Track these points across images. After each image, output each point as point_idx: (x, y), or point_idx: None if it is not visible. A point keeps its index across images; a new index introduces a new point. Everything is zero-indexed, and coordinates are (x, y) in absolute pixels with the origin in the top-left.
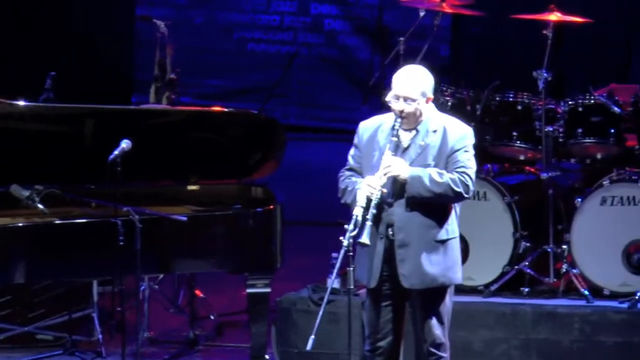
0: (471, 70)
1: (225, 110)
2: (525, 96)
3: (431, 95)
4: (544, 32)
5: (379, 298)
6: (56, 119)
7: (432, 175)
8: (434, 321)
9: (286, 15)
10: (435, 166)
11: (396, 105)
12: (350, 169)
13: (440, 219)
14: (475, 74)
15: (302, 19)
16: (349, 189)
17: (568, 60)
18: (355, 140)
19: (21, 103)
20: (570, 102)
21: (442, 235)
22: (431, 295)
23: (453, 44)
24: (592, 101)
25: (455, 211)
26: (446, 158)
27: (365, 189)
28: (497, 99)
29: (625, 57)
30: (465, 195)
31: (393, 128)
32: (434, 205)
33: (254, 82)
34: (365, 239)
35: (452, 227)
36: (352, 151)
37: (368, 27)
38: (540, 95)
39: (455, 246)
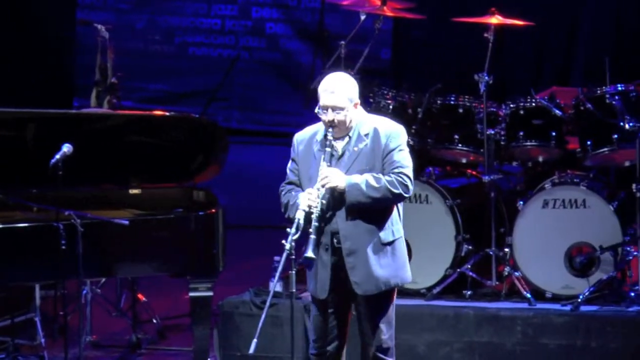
0: (412, 74)
1: (167, 114)
2: (466, 99)
3: (358, 100)
4: (485, 35)
5: (325, 305)
6: None
7: (369, 182)
8: (382, 325)
9: (227, 19)
10: (371, 169)
11: (325, 117)
12: (290, 183)
13: (384, 221)
14: (416, 77)
15: (243, 22)
16: (291, 203)
17: (509, 64)
18: (292, 153)
19: None
20: (511, 105)
21: (388, 237)
22: (379, 299)
23: (394, 47)
24: (534, 104)
25: (399, 211)
26: (382, 160)
27: (305, 202)
28: (439, 102)
29: (567, 60)
30: (405, 195)
31: (325, 138)
32: (376, 209)
33: (195, 86)
34: (310, 253)
35: (397, 227)
36: (289, 164)
37: (309, 31)
38: (482, 99)
39: (402, 246)
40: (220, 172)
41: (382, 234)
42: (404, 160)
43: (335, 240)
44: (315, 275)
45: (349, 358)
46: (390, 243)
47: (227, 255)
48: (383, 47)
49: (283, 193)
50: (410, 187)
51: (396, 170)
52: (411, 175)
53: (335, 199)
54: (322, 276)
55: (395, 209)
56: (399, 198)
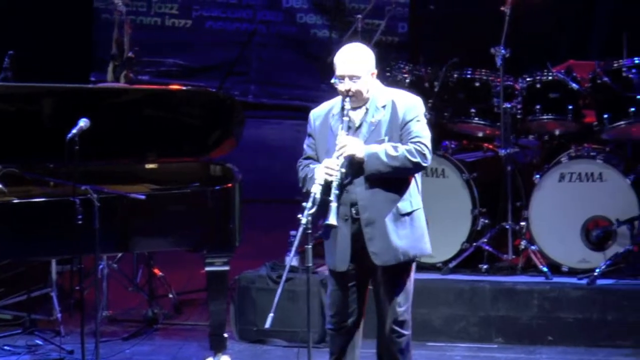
0: (429, 48)
1: (183, 88)
2: (483, 73)
3: (375, 70)
4: (502, 8)
5: (344, 278)
6: (14, 98)
7: (387, 150)
8: (399, 298)
9: None
10: (389, 141)
11: (342, 86)
12: (307, 158)
13: (403, 192)
14: (433, 51)
15: None
16: (309, 176)
17: (526, 37)
18: (309, 129)
19: None
20: (528, 79)
21: (407, 207)
22: (398, 272)
23: (411, 21)
24: (550, 78)
25: (417, 182)
26: (399, 131)
27: (324, 172)
28: (455, 76)
29: (584, 33)
30: (424, 164)
31: (343, 109)
32: (395, 180)
33: (212, 60)
34: (332, 220)
35: (415, 199)
36: (306, 140)
37: (326, 5)
38: (499, 72)
39: (421, 217)
40: (237, 146)
41: (400, 205)
42: (422, 130)
43: (354, 211)
44: (333, 247)
45: (366, 332)
46: (409, 214)
47: (243, 230)
48: (400, 21)
49: (301, 168)
50: (429, 156)
51: (414, 140)
52: (429, 145)
53: (354, 168)
54: (341, 247)
55: (413, 180)
56: (417, 167)
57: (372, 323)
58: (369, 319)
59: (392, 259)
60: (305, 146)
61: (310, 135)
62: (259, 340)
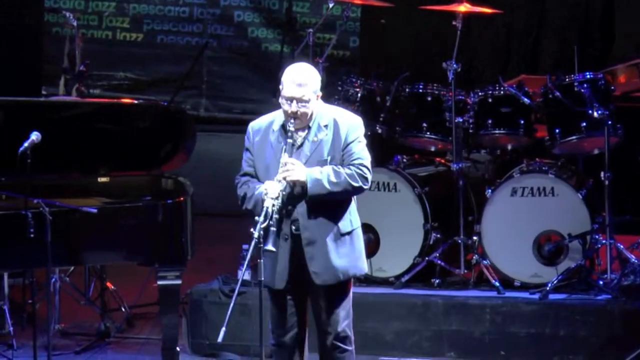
0: (381, 62)
1: (135, 102)
2: (435, 87)
3: (320, 92)
4: (454, 23)
5: (282, 295)
6: None
7: (330, 175)
8: (340, 314)
9: (195, 7)
10: (330, 161)
11: (289, 108)
12: (245, 174)
13: (343, 211)
14: (384, 65)
15: (211, 10)
16: (248, 195)
17: (478, 52)
18: (247, 143)
19: None
20: (480, 93)
21: (347, 226)
22: (337, 289)
23: (362, 35)
24: (502, 92)
25: (355, 201)
26: (341, 151)
27: (270, 191)
28: (407, 90)
29: (535, 48)
30: (365, 187)
31: (287, 130)
32: (336, 200)
33: (164, 74)
34: (270, 246)
35: (354, 218)
36: (245, 155)
37: (277, 19)
38: (450, 87)
39: (360, 236)
40: (188, 160)
41: (340, 224)
42: (363, 152)
43: (294, 228)
44: (272, 265)
45: (312, 347)
46: (349, 233)
47: (195, 244)
48: (351, 35)
49: (239, 185)
50: (370, 178)
51: (356, 162)
52: (370, 166)
53: (296, 190)
54: (280, 266)
55: (353, 199)
56: (359, 190)
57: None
58: (315, 334)
59: (332, 278)
60: (243, 161)
61: (248, 150)
62: (211, 354)
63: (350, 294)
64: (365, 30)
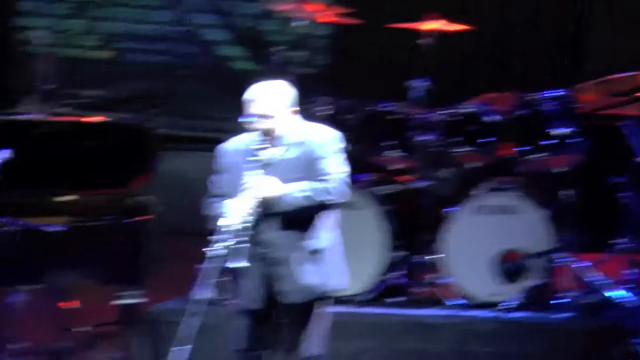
0: (348, 80)
1: (102, 120)
2: (400, 105)
3: (292, 107)
4: (420, 41)
5: (254, 315)
6: None
7: (300, 190)
8: (309, 333)
9: (164, 25)
10: (303, 177)
11: (254, 125)
12: (215, 196)
13: (314, 229)
14: (351, 83)
15: (179, 28)
16: (218, 213)
17: (444, 69)
18: (217, 166)
19: None
20: (444, 112)
21: (318, 244)
22: (308, 308)
23: (330, 53)
24: (467, 110)
25: (330, 218)
26: (314, 167)
27: (233, 211)
28: (373, 108)
29: (501, 66)
30: (338, 201)
31: (255, 147)
32: (306, 218)
33: (131, 93)
34: (241, 263)
35: (326, 235)
36: (214, 177)
37: (245, 37)
38: (416, 105)
39: (334, 254)
40: (154, 179)
41: (312, 242)
42: (337, 166)
43: (265, 249)
44: (243, 285)
45: None
46: (321, 251)
47: (156, 262)
48: (319, 53)
49: (208, 205)
50: (345, 193)
51: (328, 177)
52: (346, 179)
53: (267, 208)
54: (250, 286)
55: (326, 216)
56: (330, 205)
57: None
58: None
59: (301, 297)
60: (212, 184)
61: (218, 172)
62: None
63: (324, 315)
64: (333, 48)
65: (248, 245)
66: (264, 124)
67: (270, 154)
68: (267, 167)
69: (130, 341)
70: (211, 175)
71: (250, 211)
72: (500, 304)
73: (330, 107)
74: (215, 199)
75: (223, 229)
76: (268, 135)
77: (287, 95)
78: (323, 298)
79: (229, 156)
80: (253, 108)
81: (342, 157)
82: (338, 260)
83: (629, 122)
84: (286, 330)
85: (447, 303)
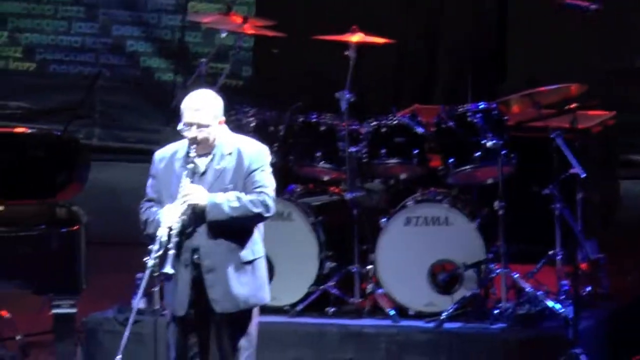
0: (273, 92)
1: (28, 130)
2: (328, 117)
3: (222, 118)
4: (346, 53)
5: (184, 323)
6: None
7: (230, 201)
8: (241, 344)
9: (88, 37)
10: (234, 189)
11: (189, 133)
12: (149, 200)
13: (245, 240)
14: (277, 95)
15: (103, 40)
16: (150, 219)
17: (370, 81)
18: (152, 171)
19: None
20: (373, 123)
21: (249, 256)
22: (238, 318)
23: (255, 65)
24: (395, 122)
25: (260, 231)
26: (244, 179)
27: (167, 219)
28: (300, 120)
29: (428, 77)
30: (266, 215)
31: (188, 155)
32: (237, 228)
33: (56, 103)
34: (168, 268)
35: (257, 247)
36: (149, 181)
37: (170, 49)
38: (343, 116)
39: (262, 266)
40: (83, 189)
41: (242, 253)
42: (267, 180)
43: (195, 257)
44: (173, 291)
45: None
46: (250, 262)
47: (90, 272)
48: (244, 64)
49: (143, 210)
50: (271, 206)
51: (258, 190)
52: (273, 194)
53: (197, 215)
54: (181, 293)
55: (256, 228)
56: (259, 218)
57: None
58: None
59: (232, 306)
60: (147, 188)
61: (153, 177)
62: None
63: (254, 325)
64: (258, 60)
65: (177, 251)
66: (200, 133)
67: (203, 162)
68: (200, 175)
69: (65, 350)
70: (139, 185)
71: (181, 217)
72: (435, 315)
73: (254, 118)
74: (149, 204)
75: (158, 237)
76: (202, 144)
77: (220, 105)
78: (252, 309)
79: (162, 162)
80: (189, 117)
81: (270, 170)
82: (264, 273)
83: (560, 134)
84: (219, 340)
85: (384, 312)
